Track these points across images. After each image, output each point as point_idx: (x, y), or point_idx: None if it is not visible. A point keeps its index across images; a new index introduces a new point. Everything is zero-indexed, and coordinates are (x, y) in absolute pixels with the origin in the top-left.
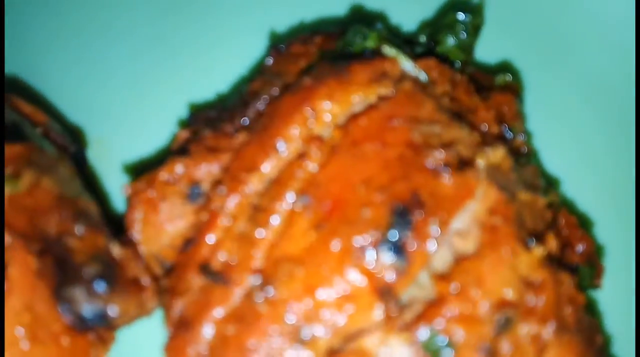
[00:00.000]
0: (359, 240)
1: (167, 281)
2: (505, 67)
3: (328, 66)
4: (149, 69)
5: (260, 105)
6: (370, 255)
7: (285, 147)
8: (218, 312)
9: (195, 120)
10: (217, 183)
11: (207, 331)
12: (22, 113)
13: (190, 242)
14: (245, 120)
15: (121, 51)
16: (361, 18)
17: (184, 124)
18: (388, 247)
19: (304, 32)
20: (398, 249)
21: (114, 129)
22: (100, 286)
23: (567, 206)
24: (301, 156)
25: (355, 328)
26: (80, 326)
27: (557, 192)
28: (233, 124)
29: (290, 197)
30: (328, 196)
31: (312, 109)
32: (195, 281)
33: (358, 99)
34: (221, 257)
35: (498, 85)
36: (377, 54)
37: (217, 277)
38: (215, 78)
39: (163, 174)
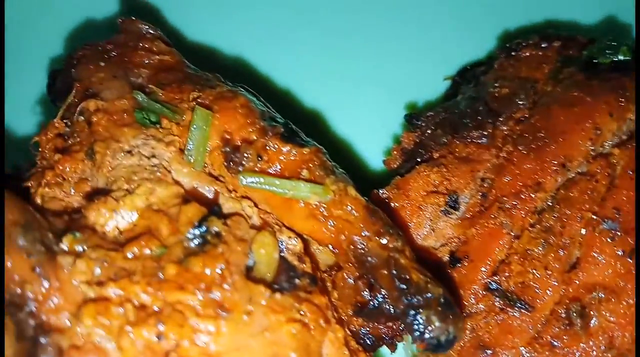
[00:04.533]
0: None
1: None
2: None
3: (594, 78)
4: (365, 67)
5: (516, 113)
6: None
7: (569, 165)
8: (522, 336)
9: (421, 122)
10: (485, 197)
11: (511, 355)
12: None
13: (462, 258)
14: (503, 130)
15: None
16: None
17: (406, 125)
18: None
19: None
20: None
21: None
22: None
23: None
24: (587, 175)
25: None
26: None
27: None
28: (482, 132)
29: (583, 219)
30: (634, 222)
31: (595, 126)
32: (481, 300)
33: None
34: (511, 278)
35: None
36: (631, 68)
37: (516, 300)
38: (432, 76)
39: (417, 182)
